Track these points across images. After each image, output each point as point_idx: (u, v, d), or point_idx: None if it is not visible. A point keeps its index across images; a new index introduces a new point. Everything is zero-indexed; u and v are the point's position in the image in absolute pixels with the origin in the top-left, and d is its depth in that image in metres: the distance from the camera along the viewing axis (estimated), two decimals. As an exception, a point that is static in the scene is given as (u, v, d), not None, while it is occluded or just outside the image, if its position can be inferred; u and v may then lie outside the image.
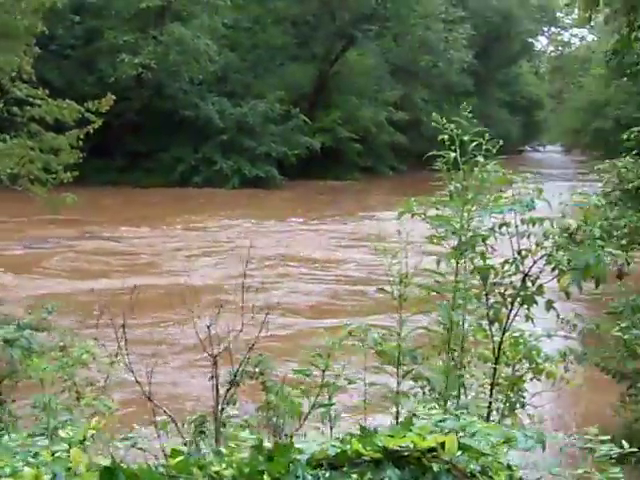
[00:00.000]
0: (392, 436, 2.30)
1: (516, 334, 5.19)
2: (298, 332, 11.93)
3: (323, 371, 4.49)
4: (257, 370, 5.14)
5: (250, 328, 4.58)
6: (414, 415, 2.68)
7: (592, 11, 14.41)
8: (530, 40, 67.91)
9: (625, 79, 30.95)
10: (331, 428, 4.43)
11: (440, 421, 2.51)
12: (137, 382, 4.56)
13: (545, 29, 76.31)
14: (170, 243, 20.36)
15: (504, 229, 5.29)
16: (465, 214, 5.18)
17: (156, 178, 31.70)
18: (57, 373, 5.05)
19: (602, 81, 35.51)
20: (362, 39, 39.85)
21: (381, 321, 12.61)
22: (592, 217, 5.32)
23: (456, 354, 5.21)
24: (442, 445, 2.24)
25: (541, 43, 78.99)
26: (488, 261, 5.30)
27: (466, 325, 5.19)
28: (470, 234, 5.23)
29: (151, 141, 32.34)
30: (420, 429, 2.35)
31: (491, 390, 5.14)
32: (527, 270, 5.18)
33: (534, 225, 5.22)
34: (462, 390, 5.15)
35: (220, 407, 4.70)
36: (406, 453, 2.26)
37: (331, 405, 4.52)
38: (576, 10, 77.52)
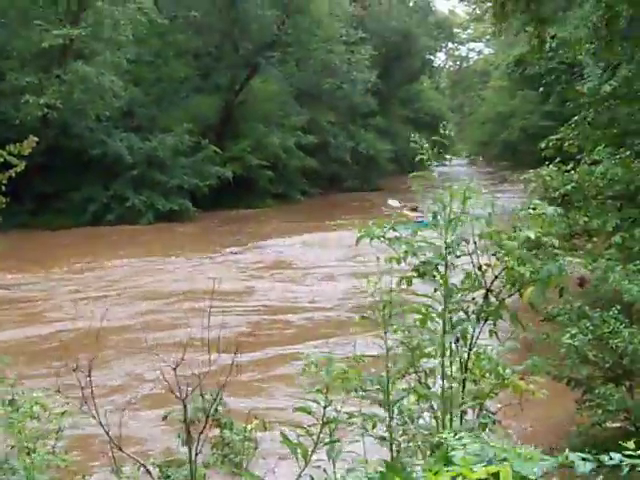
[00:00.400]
0: (436, 472, 2.15)
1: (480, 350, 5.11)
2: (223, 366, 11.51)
3: (325, 407, 4.29)
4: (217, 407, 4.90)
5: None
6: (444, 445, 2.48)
7: (502, 25, 14.59)
8: (429, 57, 69.29)
9: (529, 90, 31.82)
10: (334, 464, 4.22)
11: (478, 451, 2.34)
12: (106, 433, 4.31)
13: (443, 45, 78.08)
14: (69, 286, 19.47)
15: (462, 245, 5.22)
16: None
17: (67, 219, 30.76)
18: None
19: (506, 93, 36.37)
20: (265, 66, 39.97)
21: (313, 348, 12.49)
22: (548, 227, 5.27)
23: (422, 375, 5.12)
24: (495, 476, 2.10)
25: (439, 59, 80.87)
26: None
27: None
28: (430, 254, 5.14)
29: (60, 181, 31.43)
30: (463, 461, 2.20)
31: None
32: (489, 285, 5.11)
33: (491, 239, 5.16)
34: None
35: (195, 451, 4.45)
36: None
37: (336, 442, 4.31)
38: (472, 25, 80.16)
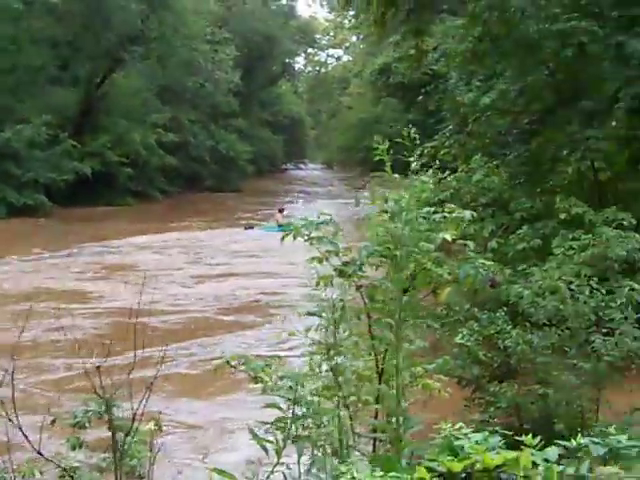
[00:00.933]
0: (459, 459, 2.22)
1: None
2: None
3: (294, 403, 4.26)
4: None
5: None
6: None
7: (381, 33, 14.96)
8: (290, 60, 69.84)
9: (392, 98, 32.63)
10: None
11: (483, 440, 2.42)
12: (27, 438, 4.13)
13: (303, 50, 78.76)
14: None
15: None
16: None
17: None
18: None
19: (368, 100, 37.13)
20: (129, 60, 39.09)
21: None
22: (462, 230, 5.45)
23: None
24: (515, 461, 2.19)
25: (299, 63, 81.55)
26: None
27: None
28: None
29: None
30: (474, 449, 2.28)
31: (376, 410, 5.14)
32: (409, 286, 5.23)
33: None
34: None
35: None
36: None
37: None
38: (332, 31, 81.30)
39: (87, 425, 4.84)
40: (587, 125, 11.56)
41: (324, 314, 5.29)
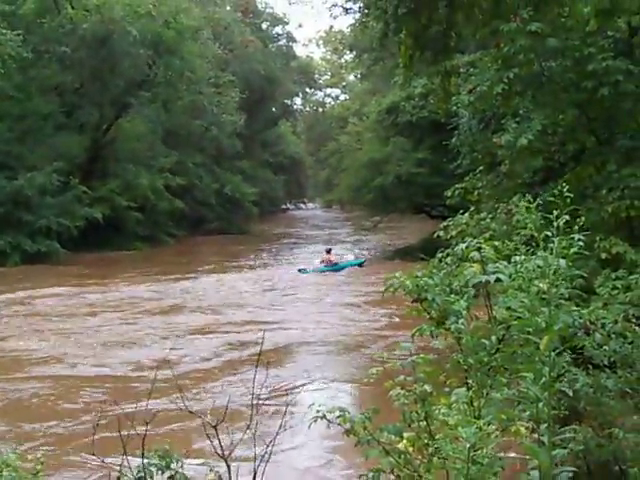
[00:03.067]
0: None
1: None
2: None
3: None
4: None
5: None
6: None
7: (410, 75, 15.09)
8: (288, 101, 70.34)
9: (400, 137, 32.78)
10: None
11: None
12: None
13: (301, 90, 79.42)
14: None
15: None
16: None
17: None
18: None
19: (376, 139, 37.25)
20: (136, 105, 39.32)
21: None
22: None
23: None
24: None
25: (297, 103, 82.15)
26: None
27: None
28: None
29: None
30: None
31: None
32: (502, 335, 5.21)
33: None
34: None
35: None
36: None
37: None
38: (329, 71, 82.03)
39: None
40: (625, 163, 11.62)
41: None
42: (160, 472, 4.32)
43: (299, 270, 29.00)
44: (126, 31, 35.31)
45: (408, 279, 5.45)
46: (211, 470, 4.57)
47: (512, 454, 5.42)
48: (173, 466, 4.35)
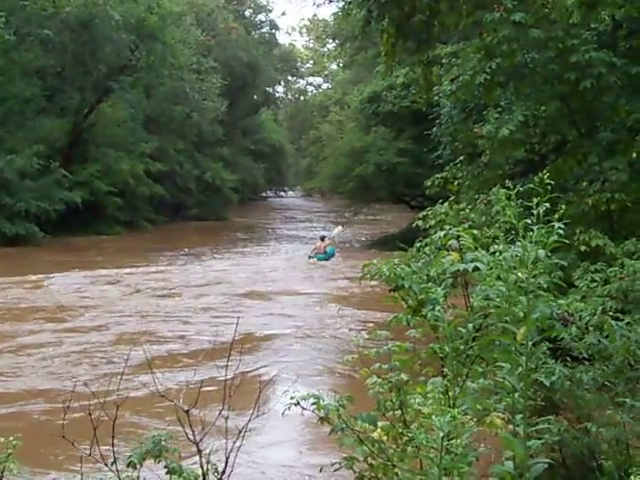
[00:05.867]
0: None
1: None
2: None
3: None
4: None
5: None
6: None
7: (392, 64, 15.02)
8: (270, 89, 70.16)
9: (382, 126, 32.77)
10: None
11: None
12: None
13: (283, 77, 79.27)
14: None
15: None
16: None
17: None
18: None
19: (356, 128, 37.26)
20: (117, 90, 39.03)
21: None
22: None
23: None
24: None
25: (278, 91, 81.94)
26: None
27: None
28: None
29: None
30: None
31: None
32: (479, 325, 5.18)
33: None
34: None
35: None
36: None
37: None
38: (312, 59, 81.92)
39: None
40: (606, 156, 11.64)
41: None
42: (156, 460, 4.28)
43: (309, 257, 28.92)
44: (108, 15, 34.97)
45: (385, 266, 5.41)
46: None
47: (487, 445, 5.41)
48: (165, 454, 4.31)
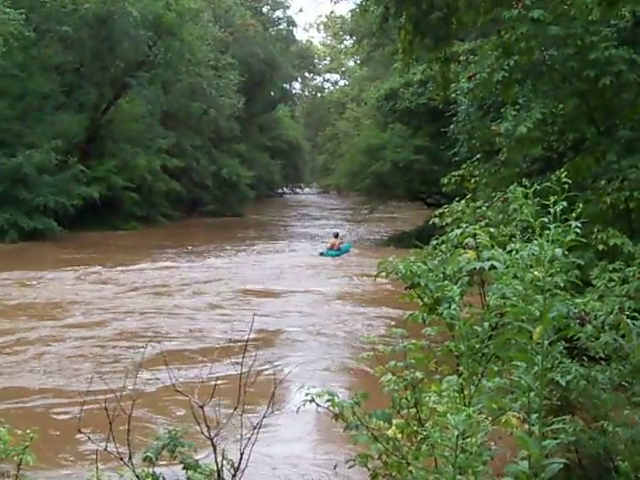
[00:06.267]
0: None
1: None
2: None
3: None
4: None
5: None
6: None
7: (409, 61, 14.99)
8: (287, 85, 70.15)
9: (399, 124, 32.69)
10: None
11: None
12: None
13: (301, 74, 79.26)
14: None
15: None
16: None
17: None
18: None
19: (373, 125, 37.18)
20: (135, 86, 39.18)
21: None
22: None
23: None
24: None
25: (295, 88, 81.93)
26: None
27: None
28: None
29: None
30: None
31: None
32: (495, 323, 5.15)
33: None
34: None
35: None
36: None
37: None
38: (329, 56, 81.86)
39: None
40: (625, 155, 11.54)
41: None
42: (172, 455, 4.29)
43: (320, 253, 28.98)
44: (127, 12, 35.10)
45: (401, 264, 5.39)
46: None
47: (502, 444, 5.38)
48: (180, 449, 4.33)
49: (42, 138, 33.91)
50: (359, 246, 32.79)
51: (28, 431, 4.72)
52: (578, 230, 4.50)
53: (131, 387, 4.62)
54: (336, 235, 30.54)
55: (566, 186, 4.61)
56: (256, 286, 21.37)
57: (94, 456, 4.27)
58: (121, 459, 4.18)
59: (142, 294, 19.85)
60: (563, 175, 4.64)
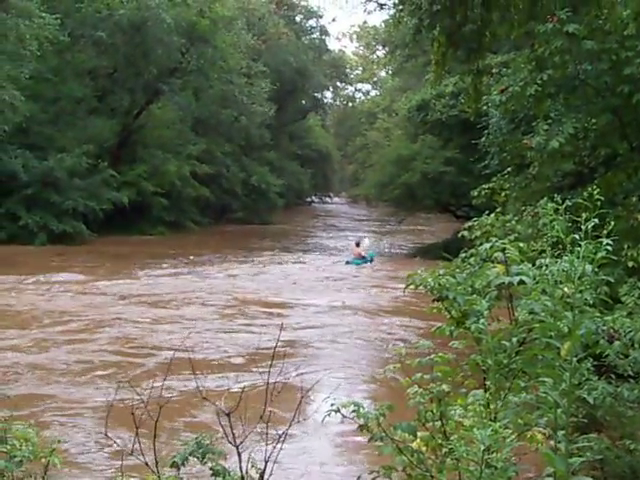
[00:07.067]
0: None
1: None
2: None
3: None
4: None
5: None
6: None
7: (442, 73, 14.98)
8: (319, 94, 70.30)
9: (429, 134, 32.65)
10: None
11: None
12: None
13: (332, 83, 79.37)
14: None
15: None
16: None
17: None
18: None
19: (404, 136, 37.15)
20: (167, 92, 39.49)
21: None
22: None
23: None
24: None
25: (327, 97, 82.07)
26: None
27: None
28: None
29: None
30: None
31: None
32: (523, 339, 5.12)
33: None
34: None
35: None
36: None
37: None
38: (361, 66, 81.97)
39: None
40: (657, 171, 11.48)
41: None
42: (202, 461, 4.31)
43: (346, 262, 29.08)
44: (161, 18, 35.43)
45: (430, 276, 5.38)
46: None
47: (527, 460, 5.35)
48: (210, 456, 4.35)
49: (73, 142, 34.34)
50: (386, 257, 32.75)
51: (56, 433, 4.77)
52: (609, 247, 4.47)
53: (157, 393, 4.64)
54: (357, 244, 30.58)
55: (597, 203, 4.59)
56: (281, 297, 21.29)
57: (119, 461, 4.29)
58: (146, 464, 4.21)
59: (167, 302, 19.81)
60: (595, 192, 4.61)
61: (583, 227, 4.51)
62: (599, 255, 4.53)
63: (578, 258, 4.60)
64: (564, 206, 4.83)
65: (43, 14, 30.76)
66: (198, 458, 4.36)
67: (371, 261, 29.08)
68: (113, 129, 38.39)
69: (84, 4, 35.24)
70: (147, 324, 16.69)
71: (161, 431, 4.20)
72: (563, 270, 4.89)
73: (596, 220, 4.49)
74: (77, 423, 9.74)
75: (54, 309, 17.99)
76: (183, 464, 4.26)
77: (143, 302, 19.53)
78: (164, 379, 5.42)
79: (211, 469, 4.26)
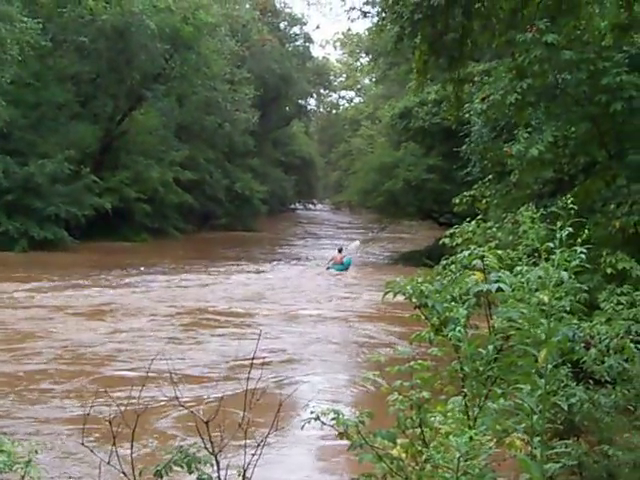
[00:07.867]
0: None
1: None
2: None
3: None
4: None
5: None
6: None
7: (423, 81, 15.08)
8: (302, 101, 70.39)
9: (412, 142, 32.79)
10: None
11: None
12: None
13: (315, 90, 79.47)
14: None
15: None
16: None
17: None
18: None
19: (387, 143, 37.28)
20: (150, 98, 39.43)
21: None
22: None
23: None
24: None
25: (310, 104, 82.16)
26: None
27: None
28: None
29: None
30: None
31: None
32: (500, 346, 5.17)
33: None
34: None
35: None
36: None
37: None
38: (345, 73, 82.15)
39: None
40: (635, 179, 11.59)
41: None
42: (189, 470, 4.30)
43: (327, 268, 29.39)
44: (144, 24, 35.33)
45: (409, 284, 5.42)
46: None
47: (506, 466, 5.39)
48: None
49: (55, 148, 34.06)
50: (368, 263, 32.80)
51: (34, 443, 4.75)
52: (583, 255, 4.53)
53: (134, 402, 4.64)
54: (340, 250, 30.79)
55: (572, 211, 4.65)
56: (259, 303, 21.20)
57: (97, 471, 4.29)
58: (123, 473, 4.21)
59: (150, 309, 19.66)
60: (570, 201, 4.68)
61: (558, 235, 4.57)
62: (573, 263, 4.59)
63: (553, 266, 4.66)
64: (539, 214, 4.90)
65: (25, 18, 30.61)
66: (182, 467, 4.36)
67: (346, 269, 29.19)
68: (95, 135, 38.16)
69: (67, 9, 35.06)
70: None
71: (139, 441, 4.18)
72: (539, 277, 4.95)
73: (570, 229, 4.54)
74: (53, 434, 9.68)
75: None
76: (167, 472, 4.26)
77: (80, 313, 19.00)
78: (140, 390, 5.38)
79: (198, 478, 4.25)
